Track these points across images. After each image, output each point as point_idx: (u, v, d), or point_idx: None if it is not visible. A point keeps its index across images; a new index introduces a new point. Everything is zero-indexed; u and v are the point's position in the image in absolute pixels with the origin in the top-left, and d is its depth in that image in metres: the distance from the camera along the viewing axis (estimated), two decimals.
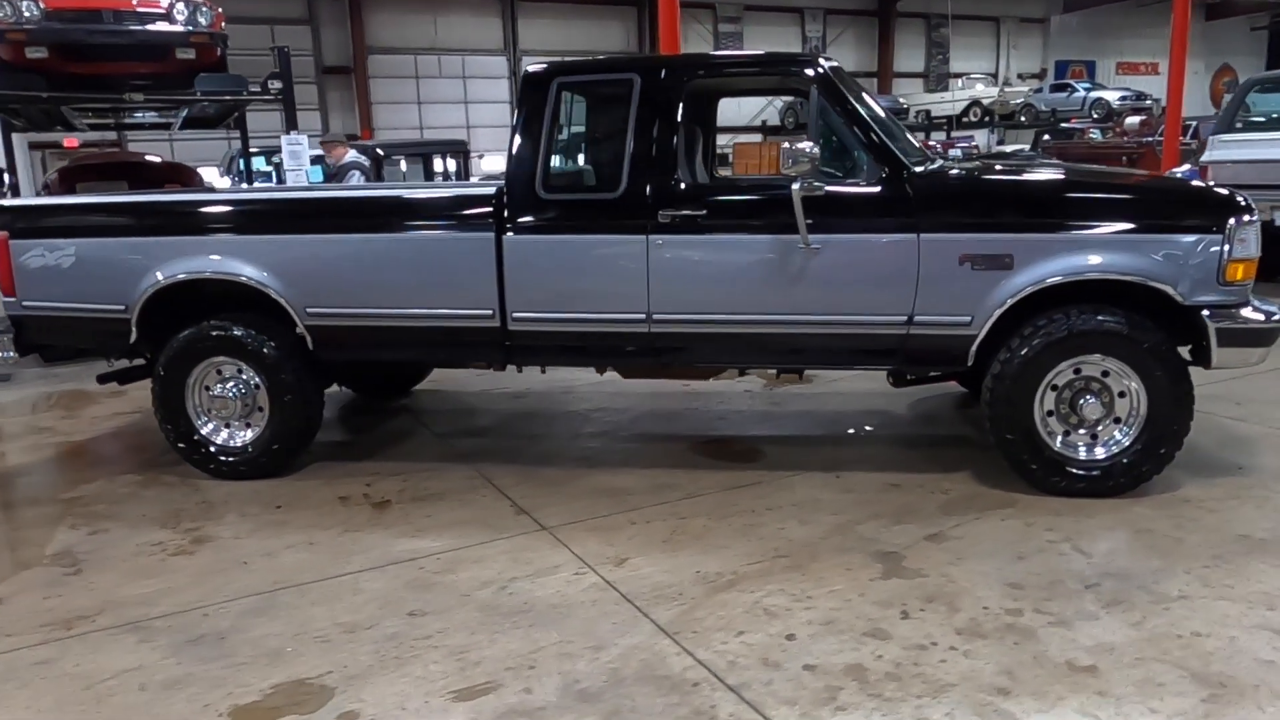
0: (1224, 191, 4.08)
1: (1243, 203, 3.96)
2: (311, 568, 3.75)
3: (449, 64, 27.02)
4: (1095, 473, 4.12)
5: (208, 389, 4.82)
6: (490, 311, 4.45)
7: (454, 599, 3.43)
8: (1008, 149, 27.12)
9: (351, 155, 8.11)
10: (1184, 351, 4.17)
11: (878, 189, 4.11)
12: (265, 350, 4.66)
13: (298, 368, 4.71)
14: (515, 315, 4.45)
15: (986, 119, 30.32)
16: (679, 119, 4.28)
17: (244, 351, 4.70)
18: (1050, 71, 37.98)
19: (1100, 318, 3.97)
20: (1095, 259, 3.97)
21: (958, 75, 34.59)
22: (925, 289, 4.10)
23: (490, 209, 4.38)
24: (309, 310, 4.60)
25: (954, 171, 4.24)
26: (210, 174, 14.77)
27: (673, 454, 5.00)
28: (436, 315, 4.51)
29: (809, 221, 4.05)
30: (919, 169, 4.15)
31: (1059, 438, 4.15)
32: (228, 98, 8.20)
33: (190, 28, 7.89)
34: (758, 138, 30.15)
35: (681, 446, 5.15)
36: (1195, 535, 3.74)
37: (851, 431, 5.38)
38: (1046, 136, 22.94)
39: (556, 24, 28.58)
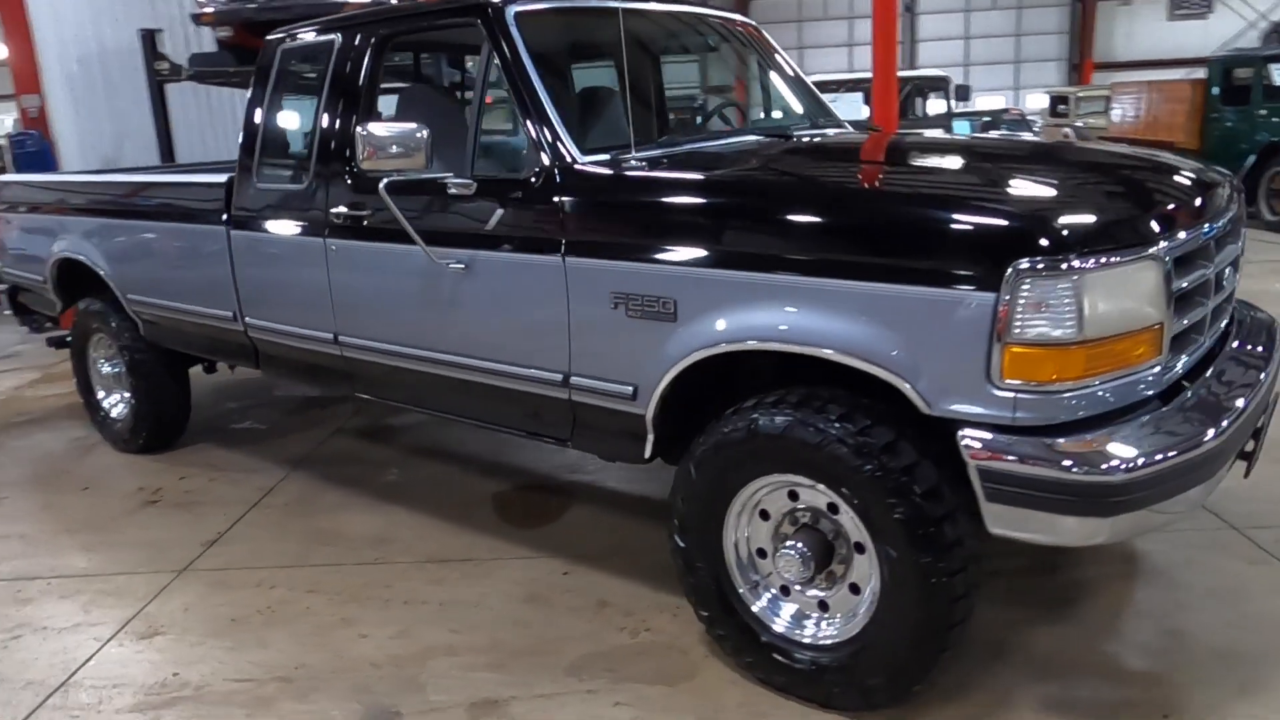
0: (1023, 209, 2.09)
1: (1063, 233, 2.00)
2: None
3: (835, 3, 25.36)
4: (804, 665, 2.48)
5: (100, 363, 5.03)
6: (231, 314, 3.97)
7: None
8: None
9: None
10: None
11: (521, 190, 2.82)
12: (119, 329, 4.71)
13: (145, 349, 4.68)
14: (249, 321, 3.92)
15: None
16: (363, 89, 3.34)
17: (109, 330, 4.79)
18: None
19: (799, 413, 2.32)
20: (770, 317, 2.32)
21: None
22: (579, 338, 2.76)
23: (221, 199, 3.87)
24: (129, 296, 4.53)
25: (636, 165, 2.69)
26: None
27: (473, 499, 4.08)
28: (200, 313, 4.15)
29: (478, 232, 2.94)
30: (591, 159, 2.75)
31: (761, 600, 2.57)
32: None
33: None
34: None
35: (502, 489, 4.20)
36: None
37: None
38: None
39: None
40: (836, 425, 2.26)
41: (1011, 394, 2.04)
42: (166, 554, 3.71)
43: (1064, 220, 2.04)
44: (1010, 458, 2.04)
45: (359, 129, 2.80)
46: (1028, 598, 3.04)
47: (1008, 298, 1.99)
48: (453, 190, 2.93)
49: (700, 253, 2.44)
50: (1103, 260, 1.99)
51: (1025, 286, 1.98)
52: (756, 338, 2.35)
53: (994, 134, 15.03)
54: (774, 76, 3.97)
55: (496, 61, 2.93)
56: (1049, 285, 1.97)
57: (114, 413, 4.99)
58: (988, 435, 2.07)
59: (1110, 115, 15.39)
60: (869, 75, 11.45)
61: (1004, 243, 2.00)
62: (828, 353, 2.23)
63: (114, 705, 2.71)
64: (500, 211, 2.86)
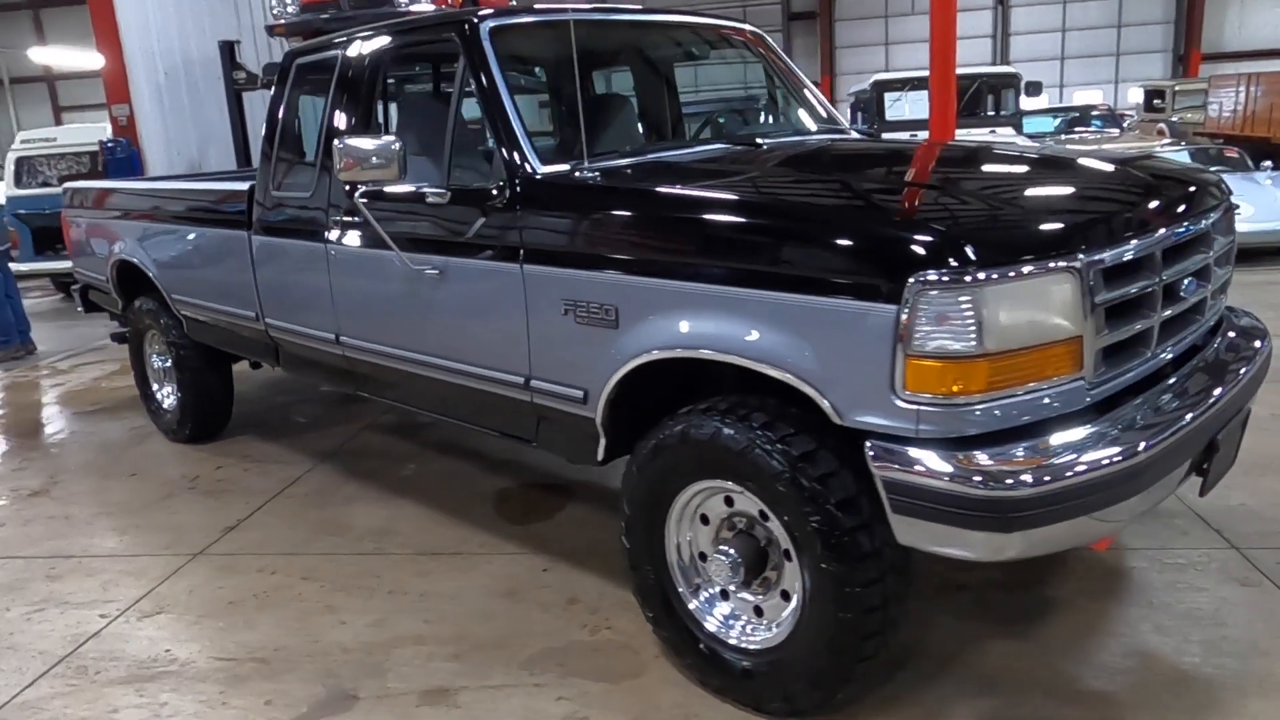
0: (925, 221, 2.07)
1: (963, 246, 1.98)
2: None
3: None
4: (736, 668, 2.52)
5: (153, 357, 5.38)
6: (254, 314, 4.21)
7: None
8: None
9: None
10: None
11: (488, 200, 2.92)
12: (167, 327, 5.02)
13: (189, 345, 4.98)
14: (268, 320, 4.15)
15: None
16: (362, 100, 3.50)
17: (159, 327, 5.12)
18: None
19: (726, 419, 2.36)
20: (703, 325, 2.36)
21: None
22: (537, 342, 2.86)
23: (243, 205, 4.10)
24: (174, 296, 4.84)
25: (586, 176, 2.76)
26: None
27: (478, 494, 4.22)
28: (230, 313, 4.41)
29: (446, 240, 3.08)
30: (550, 170, 2.83)
31: (698, 601, 2.61)
32: None
33: (408, 9, 8.50)
34: None
35: (507, 485, 4.33)
36: None
37: None
38: None
39: None
40: (759, 432, 2.29)
41: (915, 406, 2.03)
42: (187, 538, 3.97)
43: (965, 232, 2.03)
44: (912, 470, 2.04)
45: (335, 141, 2.95)
46: (992, 612, 2.99)
47: (908, 310, 1.99)
48: (430, 199, 3.06)
49: (635, 261, 2.50)
50: (1004, 273, 1.96)
51: (925, 299, 1.97)
52: (684, 346, 2.40)
53: (1080, 131, 14.50)
54: (777, 83, 3.98)
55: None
56: (948, 298, 1.96)
57: (165, 404, 5.33)
58: (892, 447, 2.07)
59: (1207, 109, 14.66)
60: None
61: (904, 255, 2.00)
62: (746, 361, 2.27)
63: (107, 676, 2.94)
64: (471, 220, 2.98)
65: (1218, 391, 2.40)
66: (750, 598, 2.53)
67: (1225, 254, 2.79)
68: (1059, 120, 15.69)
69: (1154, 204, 2.40)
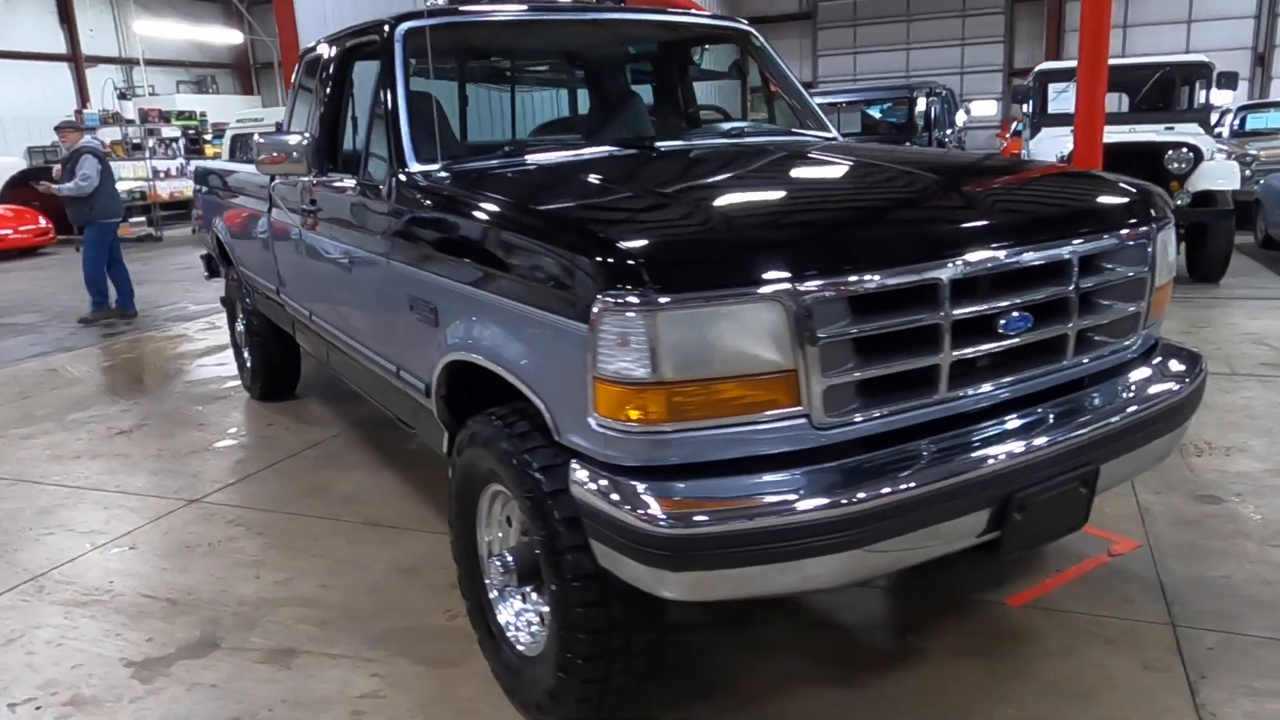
0: (613, 240, 1.94)
1: (642, 267, 1.87)
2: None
3: None
4: (514, 669, 2.54)
5: (239, 321, 6.00)
6: (275, 287, 4.62)
7: None
8: None
9: (85, 140, 8.59)
10: None
11: (377, 195, 3.05)
12: (242, 295, 5.60)
13: (256, 312, 5.52)
14: (282, 294, 4.53)
15: None
16: (330, 96, 3.73)
17: (239, 294, 5.71)
18: None
19: (495, 424, 2.37)
20: (474, 329, 2.39)
21: None
22: (400, 333, 2.98)
23: (267, 188, 4.49)
24: (240, 268, 5.38)
25: (440, 174, 2.80)
26: None
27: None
28: (263, 285, 4.85)
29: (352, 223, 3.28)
30: (421, 168, 2.92)
31: (500, 593, 2.64)
32: None
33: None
34: None
35: None
36: None
37: None
38: None
39: None
40: (514, 441, 2.29)
41: (603, 430, 1.97)
42: (197, 485, 4.45)
43: (652, 253, 1.93)
44: (595, 495, 1.98)
45: (256, 135, 3.21)
46: (849, 656, 2.80)
47: (593, 330, 1.93)
48: (348, 193, 3.26)
49: (444, 262, 2.57)
50: (684, 299, 1.85)
51: (606, 320, 1.90)
52: (461, 350, 2.44)
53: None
54: (759, 84, 3.85)
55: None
56: (626, 321, 1.88)
57: (247, 364, 5.94)
58: (586, 469, 2.02)
59: None
60: (1127, 61, 10.14)
61: (592, 274, 1.94)
62: (497, 368, 2.28)
63: (53, 597, 3.39)
64: (367, 213, 3.15)
65: (1018, 446, 2.12)
66: (540, 603, 2.53)
67: (1130, 286, 2.43)
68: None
69: (956, 226, 2.15)
